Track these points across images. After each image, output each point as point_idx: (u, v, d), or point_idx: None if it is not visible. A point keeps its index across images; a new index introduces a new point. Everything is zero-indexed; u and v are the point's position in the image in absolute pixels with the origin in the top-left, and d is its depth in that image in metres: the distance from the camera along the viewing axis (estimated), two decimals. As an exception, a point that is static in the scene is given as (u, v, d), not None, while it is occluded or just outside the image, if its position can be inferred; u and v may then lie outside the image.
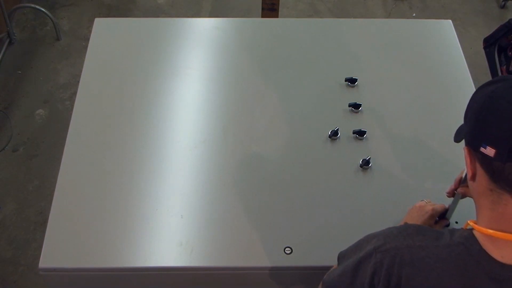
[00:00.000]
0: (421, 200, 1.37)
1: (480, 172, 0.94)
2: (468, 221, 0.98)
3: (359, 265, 1.01)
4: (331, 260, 1.19)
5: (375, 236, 1.03)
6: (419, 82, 1.87)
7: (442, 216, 1.35)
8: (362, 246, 1.05)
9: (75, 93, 1.82)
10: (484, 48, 3.01)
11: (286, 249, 1.44)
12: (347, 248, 1.11)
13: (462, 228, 1.00)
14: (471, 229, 0.97)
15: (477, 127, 0.93)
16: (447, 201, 1.35)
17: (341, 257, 1.11)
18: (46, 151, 2.88)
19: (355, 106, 1.75)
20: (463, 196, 1.27)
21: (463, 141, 1.00)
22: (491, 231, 0.92)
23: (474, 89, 1.81)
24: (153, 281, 1.48)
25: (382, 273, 0.97)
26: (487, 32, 3.09)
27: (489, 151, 0.88)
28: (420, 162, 1.64)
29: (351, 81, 1.83)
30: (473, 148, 0.93)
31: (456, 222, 1.43)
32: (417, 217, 1.31)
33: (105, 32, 2.00)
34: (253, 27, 2.06)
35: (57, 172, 1.59)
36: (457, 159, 1.57)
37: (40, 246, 1.44)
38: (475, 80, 1.85)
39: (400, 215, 1.43)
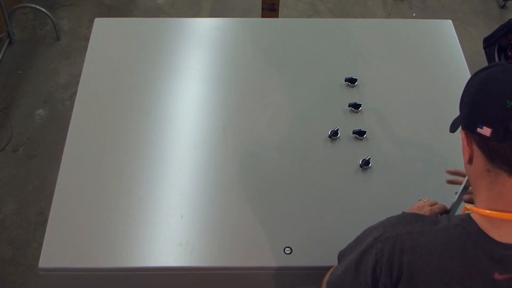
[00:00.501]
0: (420, 200, 1.37)
1: (477, 153, 0.96)
2: (466, 206, 1.01)
3: (361, 258, 1.02)
4: (331, 260, 1.19)
5: (374, 228, 1.05)
6: (419, 82, 1.87)
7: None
8: (363, 239, 1.05)
9: (75, 93, 1.82)
10: (484, 48, 3.01)
11: (286, 249, 1.44)
12: (346, 246, 1.11)
13: (459, 214, 1.01)
14: (469, 213, 0.98)
15: (473, 109, 0.95)
16: (447, 202, 1.35)
17: (341, 256, 1.12)
18: (46, 151, 2.87)
19: (355, 106, 1.75)
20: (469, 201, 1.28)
21: (459, 136, 1.02)
22: (488, 211, 0.94)
23: (474, 89, 1.81)
24: (153, 281, 1.48)
25: (384, 262, 0.98)
26: (487, 32, 3.09)
27: (486, 131, 0.91)
28: (420, 162, 1.64)
29: (351, 81, 1.83)
30: (470, 130, 0.95)
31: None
32: None
33: (105, 32, 2.00)
34: (253, 27, 2.06)
35: (57, 172, 1.59)
36: (457, 159, 1.57)
37: (40, 246, 1.44)
38: (475, 80, 1.84)
39: (400, 215, 1.43)
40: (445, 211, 1.34)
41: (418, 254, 0.96)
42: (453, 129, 1.06)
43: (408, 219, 1.03)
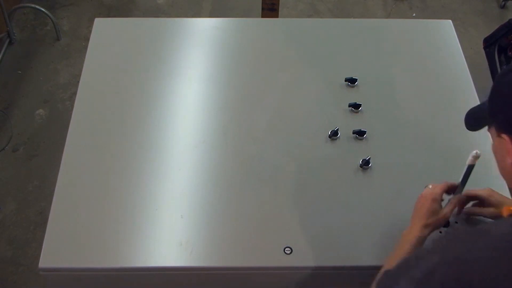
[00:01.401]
0: (425, 187, 1.33)
1: None
2: (507, 207, 0.98)
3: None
4: (331, 260, 1.19)
5: (428, 252, 0.96)
6: (419, 82, 1.87)
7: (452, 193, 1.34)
8: (410, 264, 0.96)
9: (75, 93, 1.82)
10: (484, 48, 3.01)
11: (286, 249, 1.44)
12: (392, 269, 1.00)
13: (504, 217, 0.98)
14: None
15: None
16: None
17: (390, 276, 1.00)
18: (46, 151, 2.88)
19: (355, 106, 1.75)
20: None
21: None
22: None
23: (474, 89, 1.81)
24: (153, 281, 1.48)
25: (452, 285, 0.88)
26: (487, 32, 3.09)
27: None
28: (420, 162, 1.64)
29: (351, 81, 1.83)
30: None
31: (456, 222, 1.43)
32: (421, 207, 1.28)
33: (105, 32, 2.00)
34: (253, 27, 2.06)
35: (57, 172, 1.59)
36: (457, 158, 1.57)
37: (40, 246, 1.44)
38: (475, 80, 1.85)
39: (400, 215, 1.43)
40: (454, 188, 1.34)
41: (483, 269, 0.87)
42: (475, 128, 1.02)
43: (457, 233, 0.97)
